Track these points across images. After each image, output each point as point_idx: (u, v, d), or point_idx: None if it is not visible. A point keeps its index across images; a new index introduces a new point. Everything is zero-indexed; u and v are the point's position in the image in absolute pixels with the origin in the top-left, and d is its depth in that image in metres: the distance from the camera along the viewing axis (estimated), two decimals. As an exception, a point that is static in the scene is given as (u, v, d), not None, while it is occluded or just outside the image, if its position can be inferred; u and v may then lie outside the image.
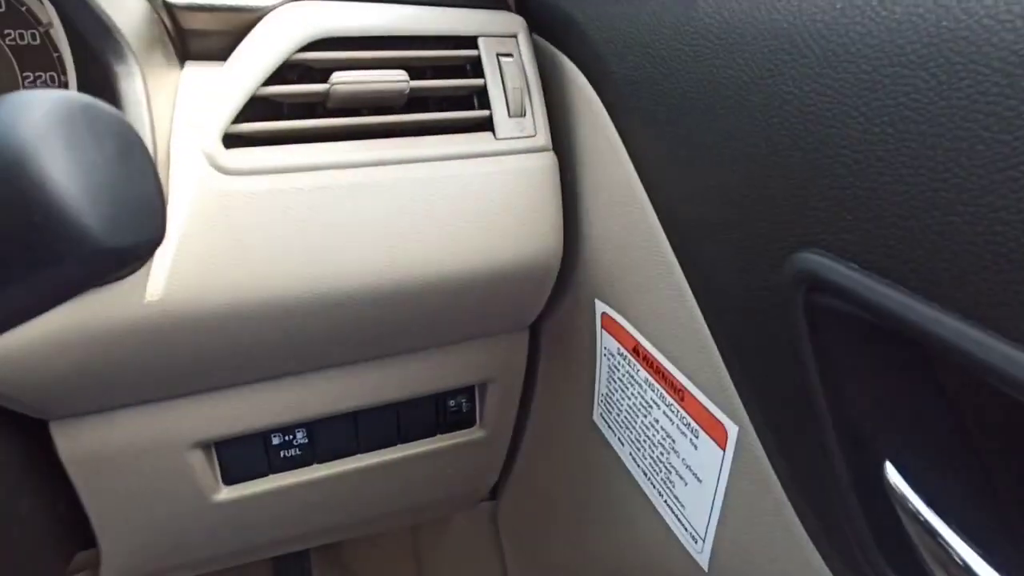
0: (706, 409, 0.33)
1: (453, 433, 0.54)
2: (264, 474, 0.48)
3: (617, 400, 0.43)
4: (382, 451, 0.52)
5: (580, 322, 0.45)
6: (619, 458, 0.44)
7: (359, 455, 0.51)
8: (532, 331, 0.51)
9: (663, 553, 0.39)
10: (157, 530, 0.46)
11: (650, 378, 0.38)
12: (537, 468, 0.59)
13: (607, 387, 0.44)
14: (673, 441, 0.37)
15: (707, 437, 0.33)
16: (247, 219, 0.34)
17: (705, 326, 0.31)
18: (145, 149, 0.21)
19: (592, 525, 0.50)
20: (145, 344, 0.34)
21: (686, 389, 0.34)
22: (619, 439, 0.43)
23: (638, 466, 0.41)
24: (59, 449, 0.39)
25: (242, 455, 0.47)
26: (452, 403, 0.53)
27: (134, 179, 0.19)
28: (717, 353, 0.31)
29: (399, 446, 0.52)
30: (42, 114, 0.17)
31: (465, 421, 0.54)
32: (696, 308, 0.32)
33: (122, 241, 0.18)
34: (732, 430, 0.31)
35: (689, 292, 0.32)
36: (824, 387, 0.24)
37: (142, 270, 0.33)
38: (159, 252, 0.33)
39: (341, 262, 0.36)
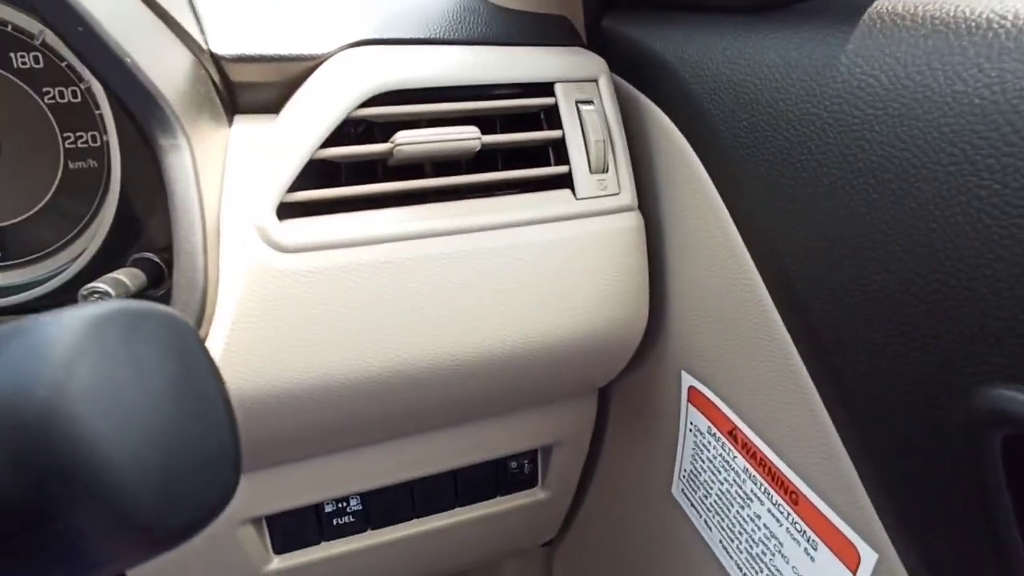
0: (830, 522, 0.28)
1: (513, 495, 0.50)
2: (316, 543, 0.46)
3: (705, 481, 0.38)
4: (439, 515, 0.49)
5: (661, 391, 0.41)
6: (705, 542, 0.39)
7: (415, 520, 0.48)
8: (602, 392, 0.47)
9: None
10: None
11: (751, 468, 0.33)
12: (601, 527, 0.55)
13: (692, 464, 0.39)
14: (780, 544, 0.32)
15: (830, 553, 0.29)
16: (304, 300, 0.31)
17: (832, 429, 0.27)
18: (208, 358, 0.16)
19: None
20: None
21: (801, 493, 0.30)
22: (705, 522, 0.39)
23: (731, 558, 0.37)
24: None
25: (294, 525, 0.44)
26: (514, 465, 0.49)
27: (197, 414, 0.15)
28: (849, 462, 0.26)
29: (456, 509, 0.49)
30: (65, 349, 0.13)
31: (526, 482, 0.50)
32: (821, 407, 0.27)
33: (180, 518, 0.13)
34: (869, 558, 0.26)
35: (811, 385, 0.28)
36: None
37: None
38: (210, 336, 0.30)
39: (405, 342, 0.32)
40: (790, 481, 0.30)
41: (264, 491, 0.39)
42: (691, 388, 0.38)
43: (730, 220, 0.31)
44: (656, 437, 0.43)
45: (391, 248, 0.32)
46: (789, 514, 0.31)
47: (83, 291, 0.26)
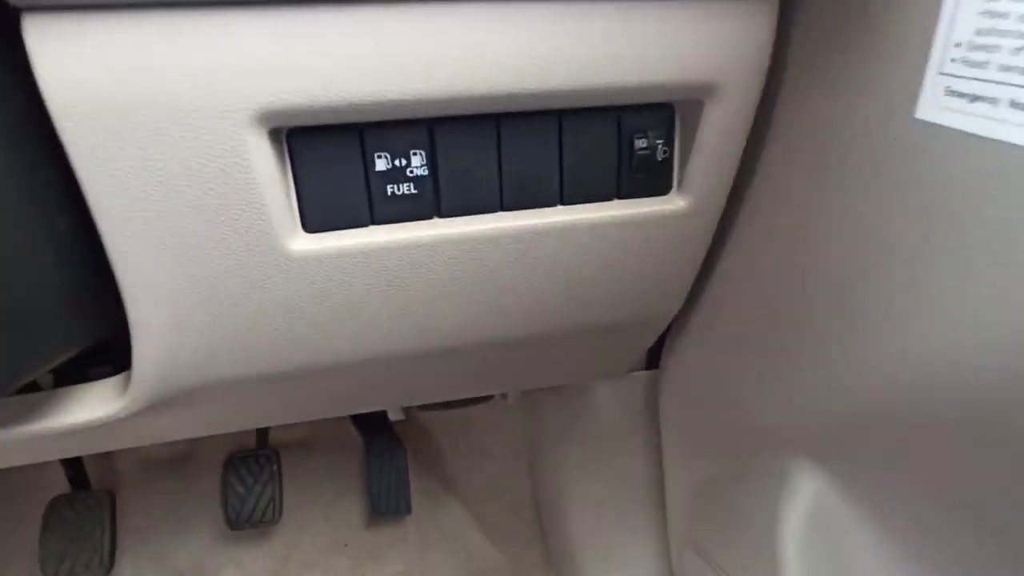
0: None
1: (638, 200, 0.35)
2: (363, 223, 0.32)
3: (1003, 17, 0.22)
4: (533, 212, 0.34)
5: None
6: (974, 151, 0.23)
7: (499, 213, 0.34)
8: (783, 8, 0.31)
9: None
10: (203, 285, 0.30)
11: None
12: (750, 278, 0.39)
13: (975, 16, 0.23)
14: None
15: None
16: None
17: None
18: None
19: (884, 316, 0.30)
20: None
21: None
22: (992, 98, 0.23)
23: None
24: (36, 66, 0.23)
25: (331, 182, 0.30)
26: (642, 143, 0.34)
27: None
28: None
29: (558, 208, 0.34)
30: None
31: (658, 180, 0.35)
32: None
33: None
34: None
35: None
36: None
37: None
38: None
39: None
40: None
41: (274, 53, 0.25)
42: None
43: None
44: (888, 40, 0.27)
45: None
46: None
47: None
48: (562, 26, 0.28)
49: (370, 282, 0.33)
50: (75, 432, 0.36)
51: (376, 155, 0.30)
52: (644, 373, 0.55)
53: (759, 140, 0.36)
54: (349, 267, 0.32)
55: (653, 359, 0.55)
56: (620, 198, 0.35)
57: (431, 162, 0.31)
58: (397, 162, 0.31)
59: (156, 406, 0.36)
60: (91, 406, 0.36)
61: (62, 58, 0.23)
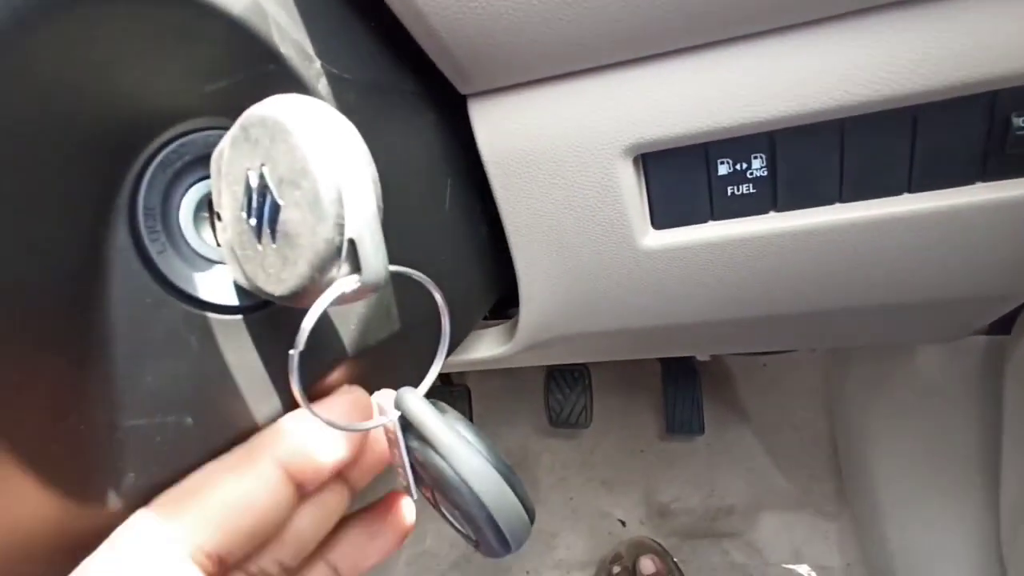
0: None
1: (1005, 181, 0.32)
2: (703, 219, 0.36)
3: None
4: (875, 202, 0.34)
5: None
6: None
7: (837, 205, 0.35)
8: None
9: None
10: (575, 273, 0.39)
11: None
12: None
13: None
14: None
15: None
16: None
17: None
18: None
19: None
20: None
21: None
22: None
23: None
24: (477, 133, 0.32)
25: (677, 187, 0.35)
26: (1021, 120, 0.31)
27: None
28: None
29: (905, 196, 0.34)
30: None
31: (1036, 158, 0.32)
32: None
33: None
34: None
35: None
36: None
37: None
38: None
39: None
40: None
41: (632, 102, 0.30)
42: None
43: None
44: None
45: None
46: None
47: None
48: (933, 25, 0.27)
49: (709, 268, 0.38)
50: (477, 362, 0.50)
51: (719, 161, 0.34)
52: (984, 338, 0.50)
53: None
54: (691, 257, 0.37)
55: (999, 323, 0.49)
56: (985, 181, 0.33)
57: (771, 164, 0.34)
58: (738, 166, 0.34)
59: (531, 348, 0.48)
60: (486, 347, 0.49)
61: (493, 125, 0.32)
